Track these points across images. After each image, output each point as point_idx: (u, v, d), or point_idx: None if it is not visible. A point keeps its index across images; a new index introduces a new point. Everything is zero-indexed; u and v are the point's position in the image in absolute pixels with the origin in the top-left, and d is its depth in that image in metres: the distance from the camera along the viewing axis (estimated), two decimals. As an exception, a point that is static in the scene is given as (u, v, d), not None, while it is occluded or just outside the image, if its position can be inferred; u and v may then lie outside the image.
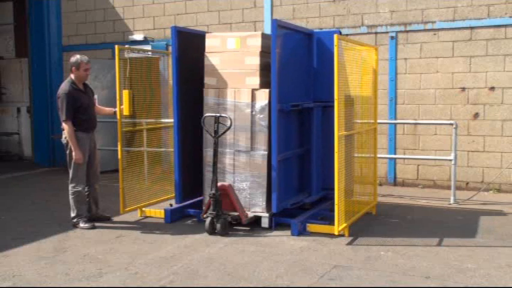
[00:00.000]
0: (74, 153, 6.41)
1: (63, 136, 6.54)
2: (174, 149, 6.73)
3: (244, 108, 6.35)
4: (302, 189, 6.98)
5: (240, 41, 6.43)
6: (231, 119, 6.13)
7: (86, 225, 6.48)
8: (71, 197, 6.58)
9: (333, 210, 6.05)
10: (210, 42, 6.60)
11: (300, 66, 6.95)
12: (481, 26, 8.45)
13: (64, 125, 6.43)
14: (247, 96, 6.33)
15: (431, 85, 8.80)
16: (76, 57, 6.57)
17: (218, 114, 6.22)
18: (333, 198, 7.05)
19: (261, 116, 6.29)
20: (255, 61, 6.32)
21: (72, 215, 6.57)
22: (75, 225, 6.54)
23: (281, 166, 6.36)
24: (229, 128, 6.13)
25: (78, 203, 6.54)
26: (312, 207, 6.92)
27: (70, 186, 6.58)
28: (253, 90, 6.32)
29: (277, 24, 6.15)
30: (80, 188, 6.53)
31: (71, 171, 6.56)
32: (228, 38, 6.53)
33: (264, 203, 6.35)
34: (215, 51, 6.53)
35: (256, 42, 6.33)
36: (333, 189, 7.10)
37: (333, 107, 6.94)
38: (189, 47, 6.84)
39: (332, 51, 6.97)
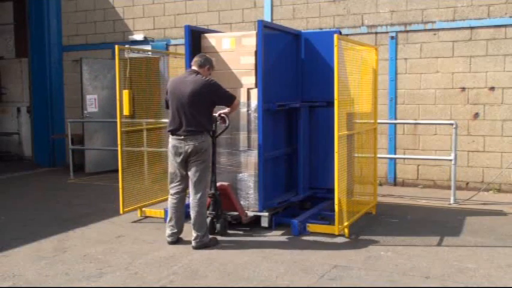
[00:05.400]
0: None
1: (200, 140, 5.62)
2: None
3: (241, 107, 6.35)
4: (290, 188, 6.98)
5: (235, 41, 6.42)
6: (228, 119, 6.11)
7: (215, 241, 5.82)
8: (205, 209, 5.71)
9: (333, 210, 6.05)
10: (205, 42, 6.59)
11: (288, 66, 6.96)
12: (481, 26, 8.45)
13: (235, 102, 5.82)
14: (243, 96, 6.32)
15: (431, 85, 8.80)
16: (212, 59, 5.95)
17: (216, 114, 6.19)
18: (319, 198, 7.11)
19: (256, 115, 6.28)
20: (251, 60, 6.30)
21: (203, 231, 5.63)
22: (208, 245, 5.64)
23: (269, 165, 6.38)
24: (227, 127, 6.12)
25: (206, 216, 5.80)
26: (312, 206, 6.93)
27: (201, 196, 5.63)
28: (248, 90, 6.32)
29: (263, 25, 6.16)
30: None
31: (204, 177, 5.69)
32: (223, 38, 6.53)
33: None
34: (211, 52, 6.52)
35: (251, 42, 6.31)
36: (319, 188, 7.17)
37: (320, 107, 7.02)
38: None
39: (319, 52, 7.05)
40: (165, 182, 7.56)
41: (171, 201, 5.83)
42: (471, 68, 8.54)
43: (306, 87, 7.16)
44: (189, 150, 5.61)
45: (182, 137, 5.63)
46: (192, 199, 5.68)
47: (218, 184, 6.18)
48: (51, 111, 11.90)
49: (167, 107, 5.93)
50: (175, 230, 5.79)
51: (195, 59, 5.86)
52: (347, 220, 5.99)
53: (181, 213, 5.85)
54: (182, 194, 5.82)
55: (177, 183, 5.79)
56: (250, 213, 6.32)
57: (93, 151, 10.90)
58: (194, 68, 5.80)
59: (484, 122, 8.51)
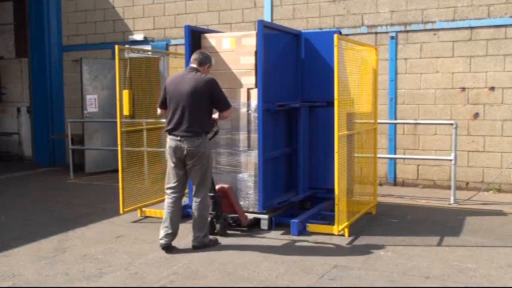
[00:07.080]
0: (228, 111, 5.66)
1: (197, 143, 5.50)
2: None
3: (241, 107, 6.35)
4: (290, 188, 6.98)
5: (235, 41, 6.42)
6: (217, 123, 5.84)
7: (214, 241, 5.82)
8: (206, 212, 5.69)
9: (333, 210, 6.05)
10: (205, 43, 6.58)
11: (288, 66, 6.95)
12: (481, 26, 8.45)
13: (228, 112, 5.66)
14: (243, 96, 6.33)
15: (431, 85, 8.80)
16: (213, 59, 5.97)
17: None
18: (319, 198, 7.11)
19: (256, 115, 6.27)
20: (251, 60, 6.30)
21: (203, 232, 5.63)
22: (208, 245, 5.64)
23: (269, 165, 6.38)
24: (216, 133, 5.87)
25: (207, 218, 5.80)
26: (312, 206, 6.93)
27: (203, 198, 5.61)
28: (248, 90, 6.32)
29: (263, 25, 6.16)
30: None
31: (205, 181, 5.64)
32: (223, 38, 6.52)
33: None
34: (211, 52, 6.51)
35: (251, 42, 6.31)
36: (319, 188, 7.17)
37: (320, 107, 7.02)
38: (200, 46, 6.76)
39: (319, 52, 7.05)
40: (165, 182, 7.57)
41: (166, 201, 5.69)
42: (471, 68, 8.54)
43: (306, 87, 7.17)
44: (185, 153, 5.52)
45: (179, 138, 5.53)
46: (194, 201, 5.65)
47: (219, 186, 6.18)
48: (51, 111, 11.90)
49: (160, 106, 5.78)
50: (170, 231, 5.54)
51: (195, 56, 5.75)
52: (347, 220, 5.99)
53: (176, 214, 5.63)
54: (178, 194, 5.67)
55: (173, 184, 5.67)
56: (249, 216, 6.30)
57: (93, 151, 10.90)
58: (194, 65, 5.72)
59: (484, 122, 8.51)
